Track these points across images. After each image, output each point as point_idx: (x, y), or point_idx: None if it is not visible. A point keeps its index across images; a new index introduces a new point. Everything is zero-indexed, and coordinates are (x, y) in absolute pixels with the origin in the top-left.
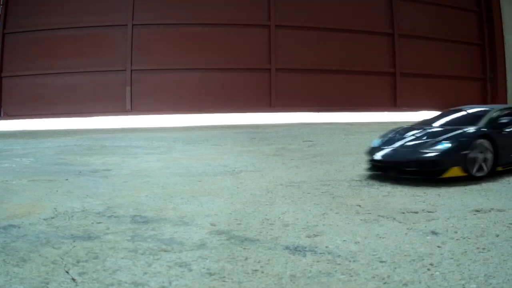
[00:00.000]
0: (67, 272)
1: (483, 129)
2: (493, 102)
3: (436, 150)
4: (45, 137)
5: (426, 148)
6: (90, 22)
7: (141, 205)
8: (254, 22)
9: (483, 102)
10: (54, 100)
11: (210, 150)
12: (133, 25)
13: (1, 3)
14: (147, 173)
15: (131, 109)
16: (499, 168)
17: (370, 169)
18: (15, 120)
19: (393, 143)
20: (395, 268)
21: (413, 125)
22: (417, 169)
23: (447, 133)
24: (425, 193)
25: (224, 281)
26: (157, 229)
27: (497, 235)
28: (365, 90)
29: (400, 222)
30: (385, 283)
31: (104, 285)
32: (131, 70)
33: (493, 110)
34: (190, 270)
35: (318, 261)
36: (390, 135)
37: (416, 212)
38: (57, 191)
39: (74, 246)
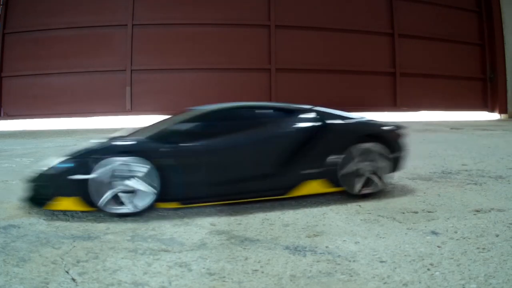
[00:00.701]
0: (67, 272)
1: (138, 142)
2: (493, 102)
3: (43, 172)
4: (45, 137)
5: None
6: (90, 22)
7: None
8: (254, 22)
9: (483, 102)
10: (54, 100)
11: None
12: (133, 25)
13: (1, 3)
14: None
15: (131, 109)
16: (172, 205)
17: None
18: (15, 120)
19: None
20: (395, 268)
21: (119, 135)
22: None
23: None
24: (425, 193)
25: (224, 281)
26: (157, 229)
27: (497, 235)
28: (365, 90)
29: (400, 222)
30: (385, 283)
31: (104, 285)
32: (131, 70)
33: (186, 113)
34: (190, 270)
35: (318, 261)
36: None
37: (416, 212)
38: None
39: (74, 246)
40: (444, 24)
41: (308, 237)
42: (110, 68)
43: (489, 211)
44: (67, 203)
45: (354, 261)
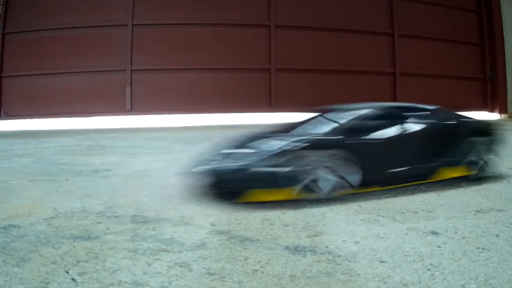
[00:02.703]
0: (67, 272)
1: (332, 137)
2: (493, 102)
3: (235, 167)
4: (45, 137)
5: (231, 164)
6: (90, 22)
7: (141, 205)
8: (254, 22)
9: (483, 102)
10: (54, 100)
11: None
12: (133, 25)
13: (1, 3)
14: (147, 173)
15: (131, 109)
16: (367, 189)
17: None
18: (15, 120)
19: (221, 155)
20: (395, 268)
21: (262, 132)
22: (222, 189)
23: (267, 144)
24: (425, 193)
25: (224, 281)
26: (157, 229)
27: (497, 235)
28: (365, 90)
29: (400, 222)
30: (385, 283)
31: (104, 285)
32: (131, 70)
33: (361, 110)
34: (190, 270)
35: (318, 261)
36: (225, 145)
37: (416, 212)
38: (57, 191)
39: (74, 246)
40: (444, 24)
41: (308, 237)
42: (110, 68)
43: (489, 211)
44: (258, 194)
45: (354, 261)
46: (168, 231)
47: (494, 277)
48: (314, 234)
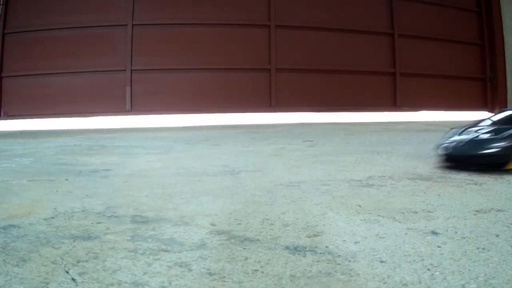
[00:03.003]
0: (67, 272)
1: None
2: (493, 102)
3: (499, 146)
4: (45, 137)
5: (491, 144)
6: (90, 22)
7: (141, 205)
8: (254, 22)
9: (483, 102)
10: (54, 100)
11: (210, 150)
12: (133, 25)
13: (1, 3)
14: (147, 173)
15: (131, 109)
16: None
17: (444, 161)
18: (15, 120)
19: (461, 139)
20: (395, 268)
21: (472, 124)
22: (484, 162)
23: (507, 131)
24: (425, 193)
25: (224, 281)
26: (157, 229)
27: (497, 235)
28: (365, 90)
29: (400, 222)
30: (385, 283)
31: (104, 285)
32: (131, 70)
33: None
34: (190, 270)
35: (318, 261)
36: (455, 132)
37: (416, 212)
38: (57, 191)
39: (74, 246)
40: (444, 24)
41: (308, 237)
42: (110, 68)
43: (489, 211)
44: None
45: (354, 261)
46: (168, 231)
47: (494, 277)
48: (314, 234)
